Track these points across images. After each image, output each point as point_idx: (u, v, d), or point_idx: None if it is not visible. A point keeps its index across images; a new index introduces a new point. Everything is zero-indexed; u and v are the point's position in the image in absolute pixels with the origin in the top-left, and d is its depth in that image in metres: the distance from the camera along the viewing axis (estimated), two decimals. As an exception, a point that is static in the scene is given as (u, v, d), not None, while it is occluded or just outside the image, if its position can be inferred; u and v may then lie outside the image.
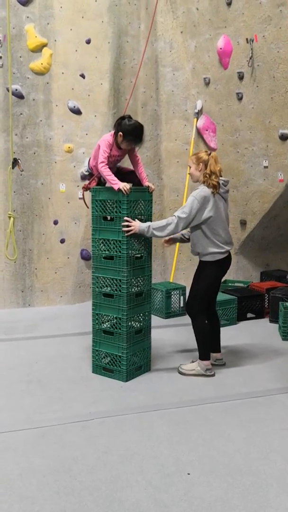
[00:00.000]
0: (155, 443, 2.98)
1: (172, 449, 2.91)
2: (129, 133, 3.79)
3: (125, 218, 3.75)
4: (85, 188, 4.06)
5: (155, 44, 6.40)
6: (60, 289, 6.11)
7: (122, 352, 3.85)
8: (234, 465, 2.75)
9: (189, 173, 3.99)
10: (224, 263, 3.97)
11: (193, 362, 4.08)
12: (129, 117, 3.85)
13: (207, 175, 3.82)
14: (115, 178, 3.76)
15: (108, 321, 3.97)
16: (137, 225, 3.75)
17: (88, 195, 4.12)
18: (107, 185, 3.85)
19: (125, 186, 3.70)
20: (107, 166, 3.82)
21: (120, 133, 3.80)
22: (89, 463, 2.77)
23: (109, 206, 3.85)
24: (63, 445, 2.96)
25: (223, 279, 4.60)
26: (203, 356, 3.98)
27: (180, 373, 4.01)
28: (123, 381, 3.85)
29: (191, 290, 4.03)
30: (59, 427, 3.16)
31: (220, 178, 3.87)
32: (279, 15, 5.53)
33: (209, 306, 4.10)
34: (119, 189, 3.71)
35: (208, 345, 4.03)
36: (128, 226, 3.75)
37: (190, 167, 3.93)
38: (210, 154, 3.88)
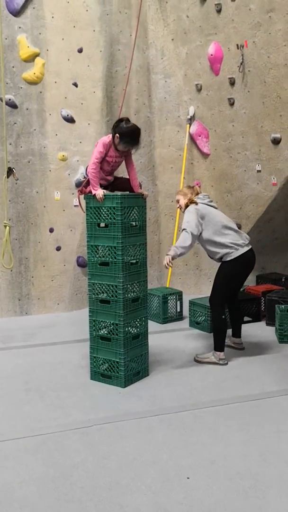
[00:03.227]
0: (154, 448, 2.99)
1: (171, 454, 2.92)
2: (125, 135, 3.84)
3: (166, 262, 4.07)
4: (80, 192, 4.08)
5: (146, 52, 6.45)
6: (57, 296, 6.12)
7: (119, 358, 3.86)
8: (233, 468, 2.77)
9: (178, 207, 4.47)
10: (244, 259, 4.23)
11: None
12: (127, 120, 3.91)
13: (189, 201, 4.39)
14: (98, 183, 3.90)
15: (105, 327, 3.98)
16: (169, 255, 4.09)
17: (83, 199, 4.14)
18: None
19: (99, 194, 3.81)
20: (98, 168, 3.90)
21: (117, 134, 3.84)
22: (89, 470, 2.78)
23: (103, 212, 3.87)
24: (63, 452, 2.96)
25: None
26: (217, 347, 4.30)
27: (196, 361, 4.33)
28: (121, 387, 3.86)
29: (213, 284, 4.38)
30: (59, 434, 3.17)
31: (200, 195, 4.40)
32: (269, 21, 5.60)
33: (232, 299, 4.55)
34: (94, 195, 3.86)
35: (223, 337, 4.29)
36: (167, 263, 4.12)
37: (179, 200, 4.44)
38: (193, 187, 4.52)
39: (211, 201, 4.41)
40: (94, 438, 3.12)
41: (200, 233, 4.21)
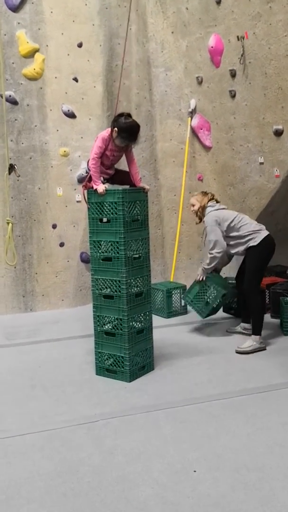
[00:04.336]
0: (160, 442, 2.99)
1: (177, 447, 2.92)
2: (123, 130, 3.82)
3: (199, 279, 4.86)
4: (85, 187, 4.06)
5: (146, 45, 6.41)
6: (61, 292, 6.12)
7: (124, 352, 3.86)
8: (240, 460, 2.77)
9: (192, 210, 4.88)
10: (267, 241, 4.54)
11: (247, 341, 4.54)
12: (127, 115, 3.89)
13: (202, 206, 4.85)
14: (99, 178, 3.89)
15: (109, 322, 3.98)
16: (199, 272, 4.88)
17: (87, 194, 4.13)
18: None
19: (100, 189, 3.81)
20: (98, 163, 3.90)
21: (115, 129, 3.83)
22: (95, 464, 2.78)
23: (105, 208, 3.86)
24: (69, 447, 2.97)
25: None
26: (258, 331, 4.46)
27: (240, 353, 4.37)
28: (126, 381, 3.86)
29: (247, 272, 4.57)
30: (65, 429, 3.18)
31: (210, 203, 4.81)
32: (269, 11, 5.55)
33: (242, 283, 4.66)
34: (95, 190, 3.85)
35: (262, 321, 4.50)
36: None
37: (194, 205, 4.85)
38: (207, 193, 4.93)
39: (221, 206, 4.81)
40: (100, 433, 3.12)
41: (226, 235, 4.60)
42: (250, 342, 4.42)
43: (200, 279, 4.86)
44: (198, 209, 4.81)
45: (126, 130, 3.83)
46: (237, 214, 4.71)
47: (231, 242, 4.62)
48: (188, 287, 5.31)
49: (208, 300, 4.93)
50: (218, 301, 4.99)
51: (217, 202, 4.86)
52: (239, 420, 3.22)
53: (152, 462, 2.78)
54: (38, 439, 3.07)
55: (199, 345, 4.61)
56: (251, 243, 4.52)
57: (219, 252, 4.59)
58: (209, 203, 4.78)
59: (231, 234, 4.61)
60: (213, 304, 4.98)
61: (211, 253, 4.62)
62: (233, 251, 4.67)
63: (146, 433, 3.09)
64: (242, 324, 4.91)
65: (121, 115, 3.89)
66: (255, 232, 4.55)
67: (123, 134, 3.83)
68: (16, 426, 3.25)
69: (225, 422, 3.20)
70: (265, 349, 4.43)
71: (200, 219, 4.85)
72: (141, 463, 2.77)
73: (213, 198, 4.86)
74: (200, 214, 4.82)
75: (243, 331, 4.87)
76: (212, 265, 4.71)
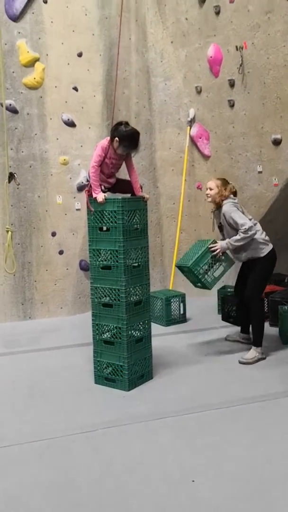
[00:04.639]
0: (159, 451, 2.99)
1: (176, 457, 2.91)
2: (124, 138, 3.84)
3: (212, 248, 4.38)
4: (88, 192, 4.03)
5: (146, 54, 6.46)
6: (60, 300, 6.12)
7: (123, 361, 3.86)
8: (239, 470, 2.76)
9: (207, 194, 4.55)
10: (273, 254, 4.49)
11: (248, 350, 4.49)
12: (126, 123, 3.91)
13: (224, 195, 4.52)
14: (99, 187, 3.90)
15: (108, 331, 3.98)
16: (219, 245, 4.40)
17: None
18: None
19: (100, 198, 3.83)
20: (98, 171, 3.92)
21: (116, 138, 3.85)
22: (94, 474, 2.77)
23: (105, 216, 3.88)
24: (67, 456, 2.96)
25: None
26: (259, 343, 4.44)
27: (244, 363, 4.34)
28: (125, 390, 3.86)
29: (251, 281, 4.48)
30: (63, 438, 3.17)
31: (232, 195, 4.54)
32: (267, 22, 5.60)
33: (242, 293, 4.58)
34: (95, 198, 3.86)
35: (262, 331, 4.46)
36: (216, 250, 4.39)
37: (211, 189, 4.51)
38: (229, 183, 4.59)
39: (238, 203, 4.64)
40: (99, 442, 3.12)
41: (237, 230, 4.37)
42: (253, 353, 4.40)
43: (218, 252, 4.38)
44: (219, 200, 4.48)
45: (127, 138, 3.84)
46: (252, 217, 4.56)
47: (245, 245, 4.41)
48: (188, 295, 5.20)
49: (220, 271, 4.58)
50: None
51: (235, 196, 4.59)
52: (238, 429, 3.21)
53: (151, 471, 2.78)
54: (36, 448, 3.07)
55: (198, 354, 4.61)
56: (260, 254, 4.41)
57: (253, 235, 4.33)
58: (231, 196, 4.50)
59: None
60: (223, 275, 4.64)
61: (247, 234, 4.28)
62: (236, 254, 4.50)
63: (144, 443, 3.09)
64: (241, 334, 4.91)
65: (119, 124, 3.91)
66: (265, 242, 4.43)
67: (125, 143, 3.85)
68: (14, 435, 3.24)
69: (224, 431, 3.19)
70: (264, 359, 4.44)
71: (217, 207, 4.53)
72: (140, 473, 2.77)
73: (233, 191, 4.56)
74: (219, 201, 4.48)
75: (242, 340, 4.87)
76: (239, 244, 4.32)
